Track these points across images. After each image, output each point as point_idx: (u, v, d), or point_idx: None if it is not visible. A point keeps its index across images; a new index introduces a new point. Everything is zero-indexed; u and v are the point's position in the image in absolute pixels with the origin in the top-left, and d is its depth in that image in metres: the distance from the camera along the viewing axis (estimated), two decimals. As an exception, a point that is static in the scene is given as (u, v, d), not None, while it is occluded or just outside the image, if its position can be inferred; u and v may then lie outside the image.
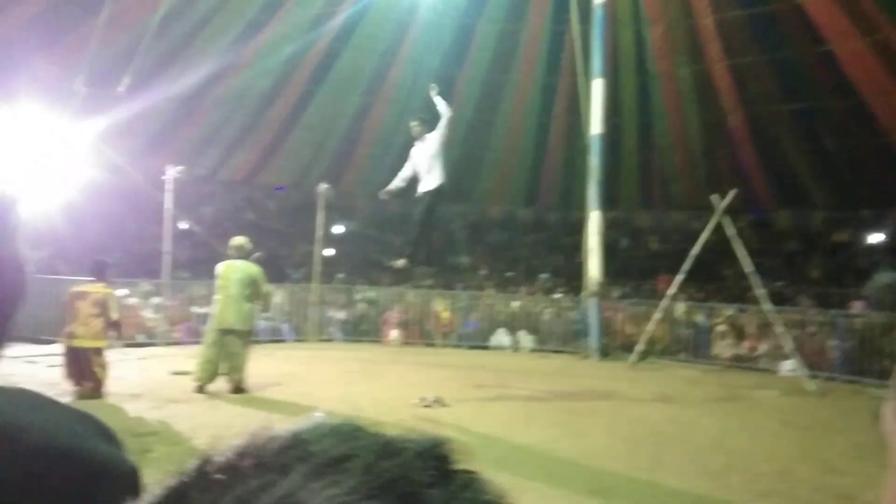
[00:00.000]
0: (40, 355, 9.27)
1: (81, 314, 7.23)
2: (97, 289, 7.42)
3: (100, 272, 7.65)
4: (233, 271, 7.75)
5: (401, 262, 8.52)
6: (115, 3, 9.25)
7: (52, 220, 10.18)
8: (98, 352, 7.20)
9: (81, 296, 7.39)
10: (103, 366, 7.19)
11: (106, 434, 0.51)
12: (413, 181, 8.15)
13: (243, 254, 7.97)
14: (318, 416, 0.41)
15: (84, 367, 7.08)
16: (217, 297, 7.82)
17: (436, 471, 0.38)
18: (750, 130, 16.26)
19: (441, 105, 7.94)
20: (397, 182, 8.33)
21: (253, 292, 7.79)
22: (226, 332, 7.59)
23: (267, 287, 8.05)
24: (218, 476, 0.36)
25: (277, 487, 0.34)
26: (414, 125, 8.19)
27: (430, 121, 8.26)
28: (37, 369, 8.38)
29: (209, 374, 7.50)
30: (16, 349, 9.51)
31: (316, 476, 0.34)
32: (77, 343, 7.13)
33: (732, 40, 14.93)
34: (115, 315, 7.46)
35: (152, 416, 6.27)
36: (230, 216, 18.31)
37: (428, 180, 7.97)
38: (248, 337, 7.85)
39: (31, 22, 12.02)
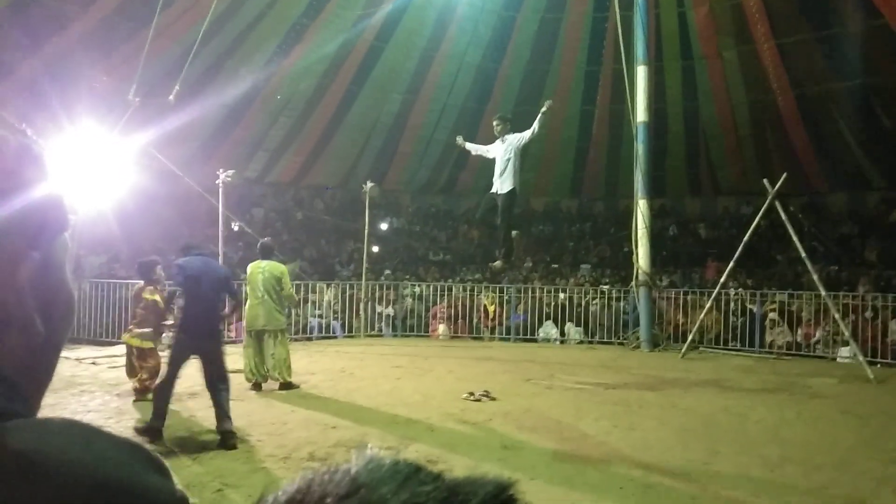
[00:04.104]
0: (102, 357, 9.66)
1: (137, 314, 7.53)
2: (146, 292, 7.47)
3: (144, 273, 7.59)
4: (259, 272, 7.88)
5: (497, 264, 8.69)
6: (163, 15, 9.51)
7: (109, 227, 10.54)
8: (142, 353, 7.28)
9: (136, 296, 7.67)
10: (148, 369, 7.18)
11: (155, 464, 0.50)
12: (469, 175, 8.43)
13: (268, 253, 8.09)
14: (372, 451, 0.39)
15: (133, 363, 7.29)
16: (248, 298, 8.01)
17: None
18: (801, 111, 15.79)
19: (538, 121, 7.90)
20: (470, 145, 8.69)
21: (279, 290, 7.90)
22: (259, 333, 7.78)
23: (289, 287, 8.09)
24: None
25: None
26: (496, 123, 8.28)
27: (513, 120, 8.36)
28: (99, 371, 8.72)
29: (255, 374, 7.70)
30: (78, 352, 9.96)
31: None
32: (126, 340, 7.45)
33: (780, 18, 14.51)
34: (168, 318, 7.44)
35: (209, 414, 6.46)
36: (280, 217, 18.66)
37: (501, 183, 8.06)
38: (283, 334, 7.98)
39: (86, 36, 12.47)
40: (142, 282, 7.64)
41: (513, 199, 8.15)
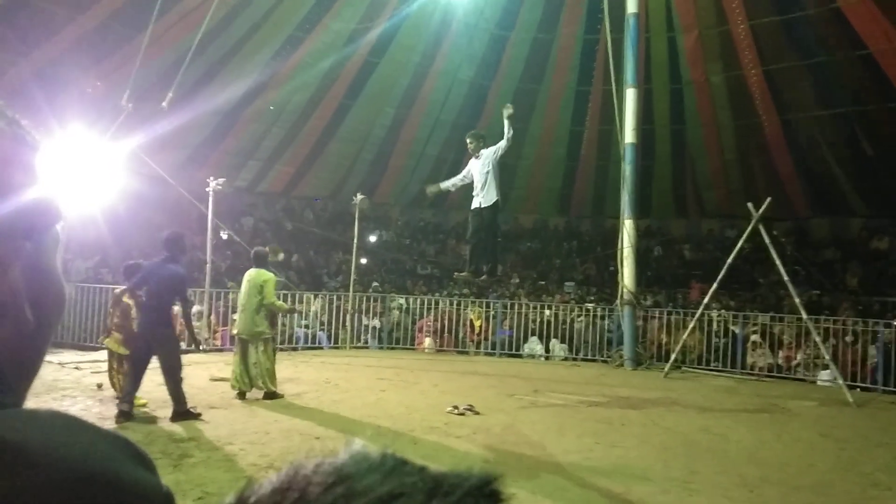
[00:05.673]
0: (85, 361, 9.58)
1: (112, 319, 7.35)
2: (126, 296, 7.19)
3: (129, 277, 7.15)
4: (247, 280, 7.90)
5: (464, 275, 8.69)
6: (158, 22, 9.55)
7: (98, 231, 10.51)
8: (121, 359, 7.09)
9: (116, 299, 7.36)
10: (125, 375, 6.96)
11: (140, 458, 0.49)
12: (460, 189, 8.53)
13: (260, 262, 8.05)
14: (358, 445, 0.40)
15: (111, 369, 7.22)
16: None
17: None
18: (785, 137, 16.06)
19: (507, 127, 7.96)
20: (447, 184, 8.62)
21: (259, 299, 7.76)
22: (243, 341, 7.77)
23: (271, 296, 7.86)
24: None
25: None
26: (469, 141, 8.31)
27: (486, 136, 8.41)
28: (81, 375, 8.66)
29: (241, 382, 7.68)
30: (61, 356, 9.87)
31: None
32: (106, 344, 7.37)
33: (767, 46, 14.79)
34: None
35: (192, 421, 6.44)
36: (269, 226, 18.63)
37: (483, 196, 8.10)
38: (266, 344, 7.86)
39: (79, 41, 12.47)
40: (125, 286, 7.40)
41: (496, 211, 8.23)
